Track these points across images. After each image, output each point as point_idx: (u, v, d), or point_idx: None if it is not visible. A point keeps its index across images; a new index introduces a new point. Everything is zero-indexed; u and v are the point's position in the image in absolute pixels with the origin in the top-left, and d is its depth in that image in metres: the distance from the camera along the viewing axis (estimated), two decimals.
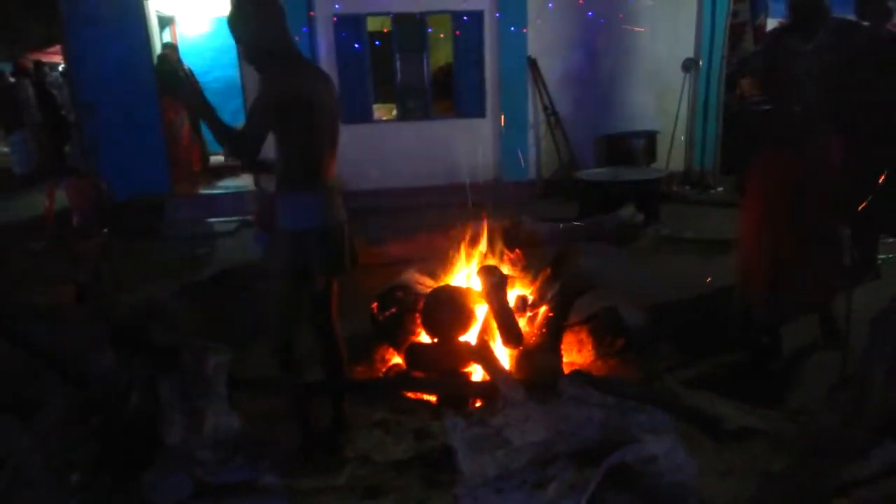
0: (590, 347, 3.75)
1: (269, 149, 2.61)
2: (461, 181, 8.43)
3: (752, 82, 3.87)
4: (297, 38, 6.30)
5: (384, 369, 3.72)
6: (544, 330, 3.48)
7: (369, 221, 6.84)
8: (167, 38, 10.02)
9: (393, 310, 3.74)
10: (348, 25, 8.19)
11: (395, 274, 4.21)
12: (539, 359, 3.33)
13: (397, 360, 3.71)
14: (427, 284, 3.91)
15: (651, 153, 8.27)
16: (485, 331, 3.45)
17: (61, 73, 12.13)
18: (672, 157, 8.47)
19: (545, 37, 8.28)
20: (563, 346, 3.59)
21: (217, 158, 10.11)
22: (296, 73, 2.59)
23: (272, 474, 2.57)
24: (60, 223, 5.27)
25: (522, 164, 8.53)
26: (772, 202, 3.41)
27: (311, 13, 7.92)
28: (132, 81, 7.55)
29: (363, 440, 2.82)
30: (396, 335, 3.69)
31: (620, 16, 8.30)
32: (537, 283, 3.84)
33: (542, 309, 3.60)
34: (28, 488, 2.33)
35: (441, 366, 3.39)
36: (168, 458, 2.60)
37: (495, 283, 3.42)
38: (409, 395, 3.39)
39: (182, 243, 6.92)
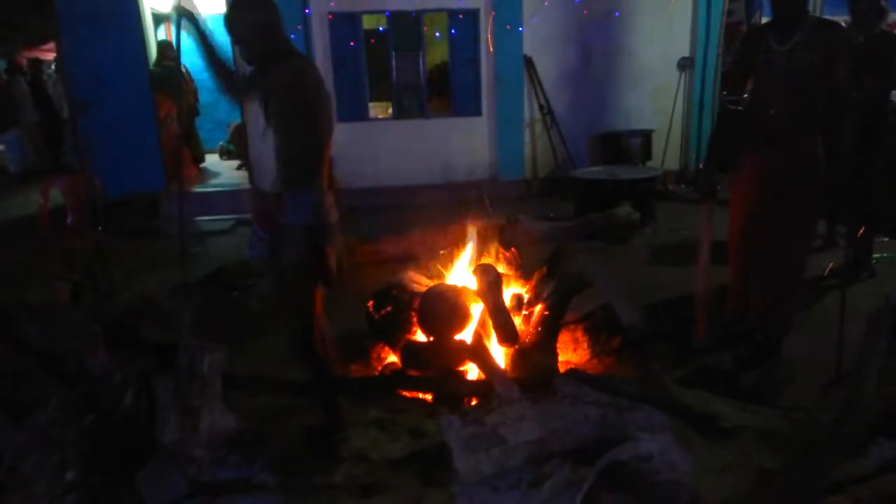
0: (585, 346, 3.75)
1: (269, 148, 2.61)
2: (457, 179, 8.44)
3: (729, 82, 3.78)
4: (292, 37, 6.30)
5: (380, 368, 3.72)
6: (540, 328, 3.48)
7: (365, 219, 6.84)
8: (162, 35, 9.99)
9: (388, 308, 3.73)
10: (343, 23, 8.18)
11: (390, 272, 4.21)
12: (534, 357, 3.34)
13: (393, 358, 3.71)
14: (422, 283, 3.91)
15: (647, 152, 8.28)
16: (480, 329, 3.45)
17: (54, 71, 12.09)
18: (667, 155, 8.48)
19: (541, 35, 8.28)
20: (558, 345, 3.59)
21: (212, 156, 10.10)
22: (305, 62, 2.63)
23: (267, 473, 2.57)
24: (54, 222, 5.24)
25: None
26: (743, 207, 3.37)
27: (307, 11, 7.90)
28: (127, 79, 7.53)
29: (358, 439, 2.81)
30: (392, 333, 3.69)
31: (616, 14, 8.31)
32: (533, 282, 3.84)
33: (538, 307, 3.60)
34: (22, 487, 2.32)
35: (437, 364, 3.39)
36: (163, 456, 2.59)
37: (491, 282, 3.42)
38: (405, 393, 3.39)
39: (176, 241, 6.90)
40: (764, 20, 8.30)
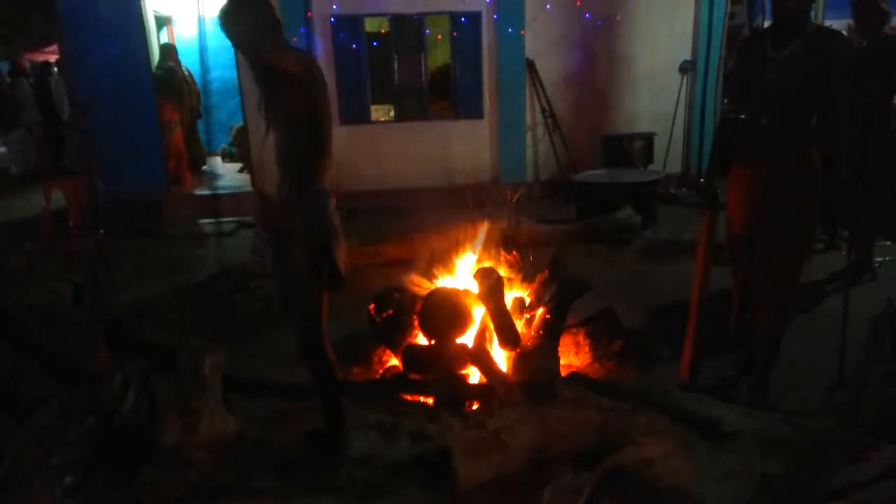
0: (587, 349, 3.74)
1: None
2: (459, 182, 8.44)
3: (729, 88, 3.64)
4: (294, 39, 6.31)
5: (381, 371, 3.71)
6: (541, 332, 3.48)
7: (366, 222, 6.84)
8: (164, 38, 10.01)
9: (390, 311, 3.73)
10: (346, 26, 8.18)
11: (392, 275, 4.21)
12: (536, 361, 3.33)
13: (394, 361, 3.70)
14: (424, 286, 3.90)
15: (648, 155, 8.28)
16: (482, 333, 3.45)
17: (56, 73, 12.11)
18: (669, 159, 8.48)
19: (543, 38, 8.28)
20: (560, 348, 3.58)
21: (215, 159, 10.11)
22: (310, 57, 2.63)
23: (267, 476, 2.57)
24: (56, 223, 5.25)
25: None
26: (737, 218, 3.23)
27: (309, 14, 7.91)
28: (129, 81, 7.54)
29: (359, 442, 2.81)
30: (393, 337, 3.68)
31: (618, 18, 8.31)
32: (534, 285, 3.83)
33: (540, 311, 3.59)
34: (22, 488, 2.32)
35: (438, 368, 3.38)
36: (163, 459, 2.58)
37: (492, 285, 3.42)
38: (406, 396, 3.38)
39: (178, 243, 6.92)
40: (766, 24, 8.33)
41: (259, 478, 2.60)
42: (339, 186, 8.08)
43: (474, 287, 3.56)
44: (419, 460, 2.70)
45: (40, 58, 12.75)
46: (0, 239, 7.07)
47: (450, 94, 8.75)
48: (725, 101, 3.46)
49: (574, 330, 3.81)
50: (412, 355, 3.47)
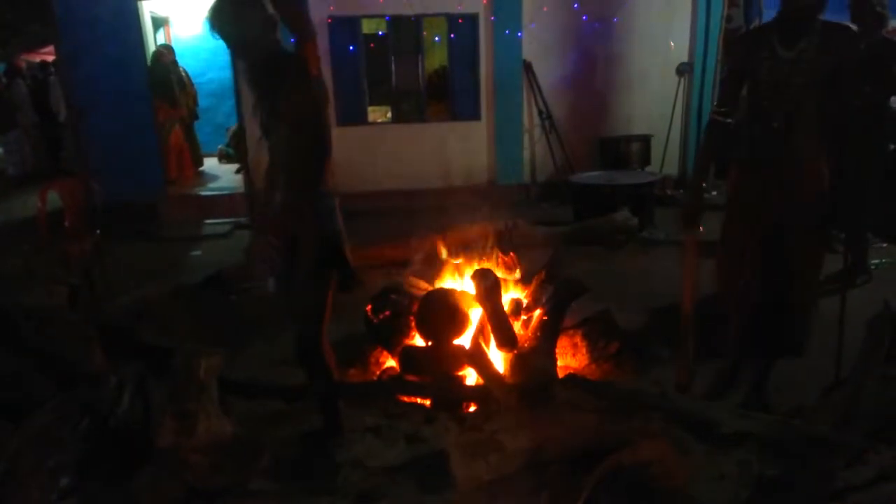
0: (584, 351, 3.74)
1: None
2: (456, 184, 8.44)
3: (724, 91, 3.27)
4: (292, 41, 6.28)
5: (378, 372, 3.71)
6: (538, 333, 3.47)
7: (363, 223, 6.83)
8: (161, 39, 10.00)
9: (387, 312, 3.73)
10: (343, 27, 8.18)
11: (389, 276, 4.20)
12: (533, 362, 3.33)
13: (391, 363, 3.70)
14: (421, 287, 3.90)
15: (645, 157, 8.29)
16: (479, 334, 3.44)
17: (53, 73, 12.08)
18: (666, 161, 8.49)
19: (540, 40, 8.29)
20: (557, 350, 3.58)
21: (211, 160, 10.09)
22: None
23: (264, 479, 2.56)
24: (53, 225, 5.23)
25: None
26: (742, 232, 3.05)
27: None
28: (126, 83, 7.52)
29: (356, 444, 2.80)
30: (390, 338, 3.68)
31: (615, 20, 8.32)
32: (531, 287, 3.83)
33: (537, 312, 3.59)
34: (18, 491, 2.31)
35: (435, 369, 3.38)
36: (159, 461, 2.57)
37: (489, 287, 3.42)
38: (403, 398, 3.38)
39: (175, 245, 6.90)
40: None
41: (256, 480, 2.59)
42: (337, 188, 8.08)
43: (471, 288, 3.55)
44: (416, 462, 2.70)
45: (37, 59, 12.71)
46: None
47: (447, 96, 8.76)
48: (715, 104, 3.16)
49: (571, 331, 3.81)
50: (409, 357, 3.46)
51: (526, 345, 3.44)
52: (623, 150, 8.19)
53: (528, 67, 8.32)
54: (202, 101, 9.84)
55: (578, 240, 6.10)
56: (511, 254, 4.09)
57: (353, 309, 3.85)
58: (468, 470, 2.28)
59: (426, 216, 5.65)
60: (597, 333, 3.76)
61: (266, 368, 3.66)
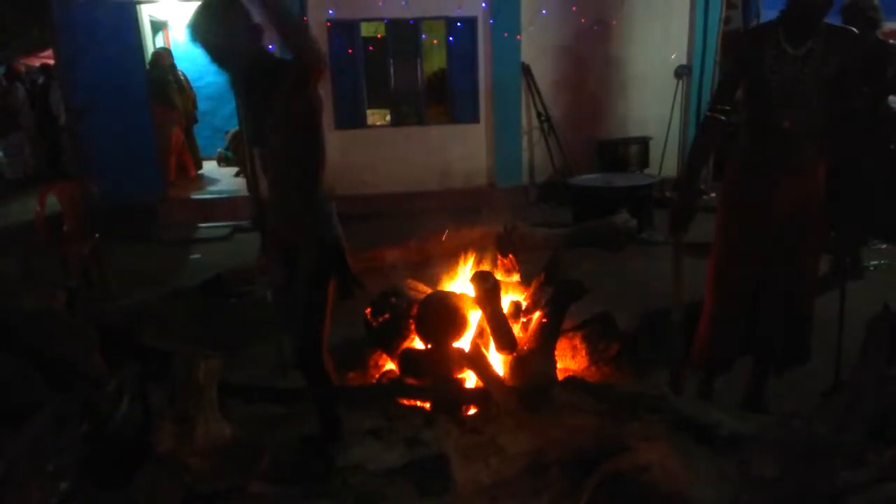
0: (583, 353, 3.74)
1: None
2: (455, 187, 8.45)
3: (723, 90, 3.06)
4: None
5: (377, 375, 3.70)
6: (538, 336, 3.47)
7: (362, 226, 6.83)
8: (160, 43, 10.01)
9: (386, 315, 3.72)
10: (342, 31, 8.19)
11: (388, 279, 4.20)
12: (533, 365, 3.32)
13: (390, 366, 3.69)
14: (420, 290, 3.90)
15: (644, 159, 8.30)
16: (478, 337, 3.44)
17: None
18: (665, 163, 8.50)
19: (539, 43, 8.30)
20: (556, 353, 3.58)
21: (210, 163, 10.09)
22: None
23: (263, 482, 2.55)
24: (52, 227, 5.23)
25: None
26: (741, 234, 2.97)
27: (305, 19, 7.91)
28: (124, 86, 7.53)
29: (355, 447, 2.79)
30: (390, 341, 3.68)
31: (613, 22, 8.33)
32: (531, 289, 3.83)
33: (536, 315, 3.59)
34: (16, 495, 2.30)
35: (434, 372, 3.37)
36: (158, 464, 2.57)
37: (489, 289, 3.42)
38: (403, 401, 3.37)
39: (174, 248, 6.90)
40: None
41: (255, 483, 2.59)
42: (335, 191, 8.08)
43: (471, 291, 3.55)
44: (415, 466, 2.69)
45: (36, 62, 12.72)
46: None
47: (446, 99, 8.76)
48: (713, 102, 2.99)
49: (570, 334, 3.81)
50: (409, 360, 3.46)
51: (525, 347, 3.44)
52: (622, 153, 8.20)
53: (526, 70, 8.33)
54: (201, 105, 9.84)
55: (577, 242, 6.11)
56: (510, 256, 4.09)
57: (353, 312, 3.85)
58: (468, 473, 2.28)
59: (426, 219, 5.66)
60: (596, 336, 3.76)
61: (266, 372, 3.66)
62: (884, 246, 5.51)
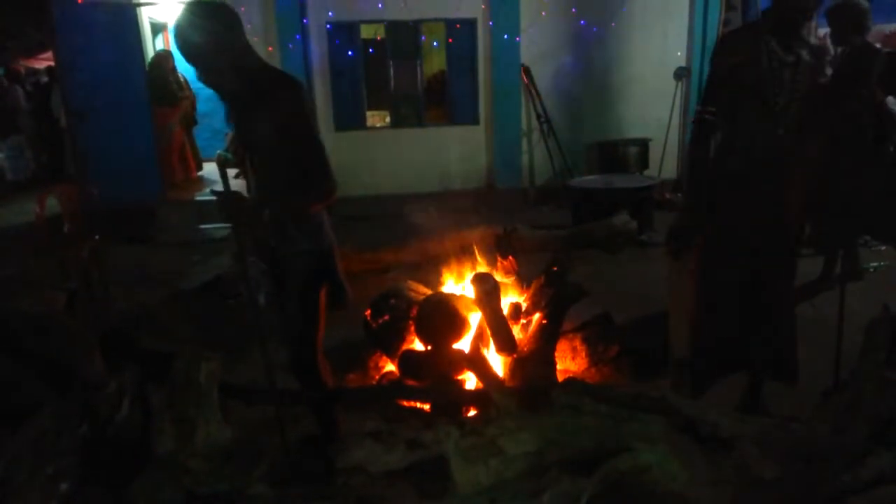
0: (583, 355, 3.74)
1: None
2: (454, 188, 8.45)
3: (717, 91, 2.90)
4: (289, 46, 6.31)
5: (377, 377, 3.71)
6: (538, 337, 3.47)
7: (362, 228, 6.83)
8: (160, 45, 10.01)
9: (386, 317, 3.73)
10: (342, 33, 8.20)
11: (388, 281, 4.20)
12: (532, 366, 3.33)
13: (390, 367, 3.70)
14: (420, 291, 3.90)
15: (643, 161, 8.30)
16: (478, 338, 3.44)
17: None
18: (664, 164, 8.51)
19: (538, 45, 8.31)
20: (556, 354, 3.58)
21: (210, 165, 10.08)
22: (292, 79, 2.45)
23: (263, 484, 2.55)
24: (51, 230, 5.23)
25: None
26: (723, 246, 2.87)
27: (305, 21, 7.92)
28: (124, 88, 7.53)
29: (355, 449, 2.79)
30: (389, 342, 3.68)
31: (613, 24, 8.35)
32: (530, 291, 3.83)
33: (536, 316, 3.59)
34: (16, 497, 2.30)
35: (434, 373, 3.38)
36: (158, 467, 2.57)
37: (488, 291, 3.42)
38: (403, 403, 3.37)
39: (174, 250, 6.90)
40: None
41: (254, 485, 2.59)
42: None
43: (471, 292, 3.55)
44: (415, 468, 2.69)
45: (35, 64, 12.72)
46: None
47: (446, 101, 8.77)
48: (701, 104, 2.84)
49: (570, 335, 3.81)
50: (408, 361, 3.46)
51: (525, 349, 3.44)
52: (621, 154, 8.21)
53: (526, 72, 8.34)
54: (201, 107, 9.83)
55: (577, 244, 6.10)
56: (510, 258, 4.09)
57: (353, 313, 3.85)
58: (468, 474, 2.28)
59: (425, 220, 5.66)
60: (596, 337, 3.77)
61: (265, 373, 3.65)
62: (883, 247, 5.51)
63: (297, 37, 7.81)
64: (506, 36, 8.20)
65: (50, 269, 4.93)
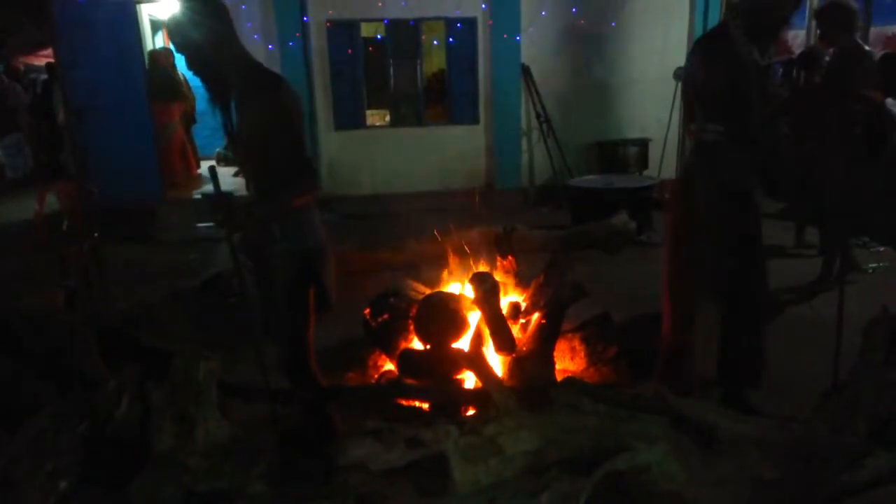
0: (582, 355, 3.75)
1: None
2: (454, 188, 8.45)
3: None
4: (290, 44, 6.31)
5: (376, 376, 3.71)
6: (537, 337, 3.48)
7: (362, 227, 6.83)
8: (160, 42, 10.00)
9: (385, 316, 3.73)
10: (342, 31, 8.20)
11: (387, 280, 4.20)
12: (532, 366, 3.33)
13: (390, 366, 3.70)
14: (420, 291, 3.90)
15: (643, 161, 8.31)
16: (477, 338, 3.44)
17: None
18: (664, 165, 8.51)
19: (538, 44, 8.32)
20: (555, 354, 3.58)
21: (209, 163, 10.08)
22: (284, 80, 2.47)
23: (262, 482, 2.55)
24: (50, 227, 5.22)
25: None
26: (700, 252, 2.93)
27: (305, 19, 7.91)
28: (124, 85, 7.52)
29: (354, 448, 2.79)
30: (389, 341, 3.68)
31: (613, 24, 8.35)
32: (530, 291, 3.83)
33: (535, 316, 3.59)
34: (16, 495, 2.30)
35: (434, 373, 3.38)
36: (157, 465, 2.57)
37: (488, 290, 3.42)
38: (402, 402, 3.37)
39: (173, 248, 6.89)
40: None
41: (253, 483, 2.59)
42: (335, 192, 8.09)
43: (470, 292, 3.55)
44: (415, 466, 2.69)
45: (34, 61, 12.70)
46: None
47: (445, 100, 8.77)
48: (702, 122, 2.74)
49: (569, 335, 3.81)
50: (408, 360, 3.46)
51: (524, 348, 3.44)
52: (621, 154, 8.21)
53: (526, 71, 8.34)
54: (200, 105, 9.83)
55: (576, 244, 6.10)
56: (509, 257, 4.09)
57: (352, 312, 3.85)
58: (468, 473, 2.28)
59: (424, 220, 5.66)
60: (595, 337, 3.77)
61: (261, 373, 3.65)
62: (882, 248, 5.52)
63: (297, 35, 7.81)
64: (506, 35, 8.20)
65: (49, 267, 4.92)
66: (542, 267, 3.93)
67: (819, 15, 4.57)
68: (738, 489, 2.28)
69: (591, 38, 8.38)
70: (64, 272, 4.80)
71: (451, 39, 8.42)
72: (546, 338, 3.47)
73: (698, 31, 8.30)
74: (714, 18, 8.18)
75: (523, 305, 3.77)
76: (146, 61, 8.19)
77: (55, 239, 5.10)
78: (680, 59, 8.48)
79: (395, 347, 3.61)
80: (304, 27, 7.93)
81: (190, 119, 9.42)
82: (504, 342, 3.39)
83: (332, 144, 8.43)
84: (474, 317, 3.52)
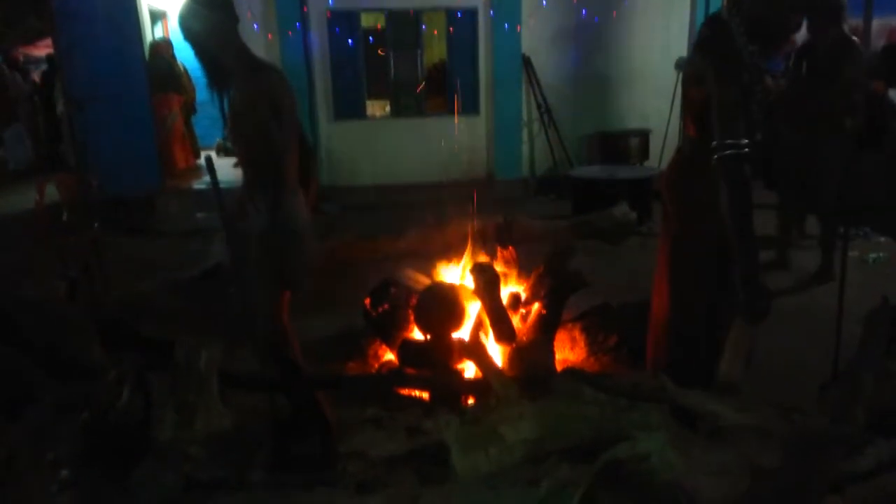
0: (582, 345, 3.75)
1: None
2: (455, 178, 8.44)
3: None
4: (290, 35, 6.28)
5: (377, 366, 3.71)
6: (537, 327, 3.48)
7: (362, 217, 6.83)
8: (159, 33, 9.96)
9: (386, 306, 3.73)
10: (342, 21, 8.17)
11: (388, 270, 4.20)
12: (532, 356, 3.33)
13: (390, 356, 3.70)
14: (420, 281, 3.90)
15: (644, 152, 8.30)
16: (478, 328, 3.45)
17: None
18: (665, 155, 8.48)
19: (539, 35, 8.28)
20: (555, 344, 3.59)
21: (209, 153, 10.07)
22: (273, 69, 2.60)
23: (262, 470, 2.56)
24: (51, 218, 5.22)
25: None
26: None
27: (305, 9, 7.88)
28: (123, 76, 7.50)
29: (357, 436, 2.81)
30: (389, 331, 3.68)
31: (614, 14, 8.31)
32: (530, 281, 3.83)
33: (535, 306, 3.59)
34: (16, 484, 2.31)
35: (434, 362, 3.38)
36: (158, 454, 2.57)
37: (488, 281, 3.42)
38: (402, 391, 3.38)
39: (173, 238, 6.89)
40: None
41: (254, 471, 2.60)
42: (335, 182, 8.08)
43: (470, 282, 3.55)
44: (415, 455, 2.70)
45: (34, 52, 12.66)
46: None
47: (446, 90, 8.75)
48: (726, 136, 2.40)
49: (570, 325, 3.82)
50: (408, 350, 3.47)
51: (524, 338, 3.45)
52: (622, 145, 8.20)
53: (527, 62, 8.31)
54: (200, 94, 9.81)
55: (577, 234, 6.10)
56: (510, 248, 4.09)
57: (352, 302, 3.85)
58: (468, 462, 2.28)
59: (425, 210, 5.65)
60: (595, 327, 3.77)
61: (278, 362, 3.65)
62: (882, 239, 5.51)
63: (297, 25, 7.78)
64: (507, 26, 8.17)
65: (50, 258, 4.92)
66: (542, 257, 3.93)
67: (808, 6, 4.55)
68: (738, 478, 2.29)
69: (592, 29, 8.34)
70: (64, 263, 4.80)
71: (451, 30, 8.39)
72: (546, 328, 3.48)
73: (700, 21, 8.26)
74: (715, 8, 8.13)
75: (524, 295, 3.77)
76: (146, 52, 8.16)
77: (55, 230, 5.10)
78: (681, 50, 8.47)
79: (396, 337, 3.61)
80: (305, 17, 7.90)
81: (190, 109, 9.40)
82: (504, 332, 3.39)
83: (332, 135, 8.41)
84: (474, 307, 3.53)
